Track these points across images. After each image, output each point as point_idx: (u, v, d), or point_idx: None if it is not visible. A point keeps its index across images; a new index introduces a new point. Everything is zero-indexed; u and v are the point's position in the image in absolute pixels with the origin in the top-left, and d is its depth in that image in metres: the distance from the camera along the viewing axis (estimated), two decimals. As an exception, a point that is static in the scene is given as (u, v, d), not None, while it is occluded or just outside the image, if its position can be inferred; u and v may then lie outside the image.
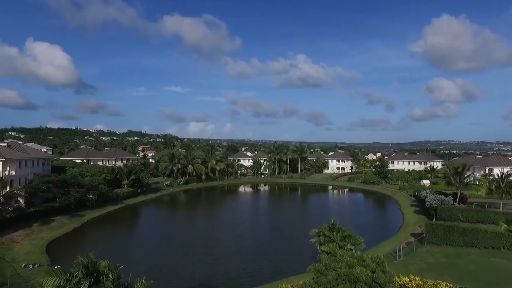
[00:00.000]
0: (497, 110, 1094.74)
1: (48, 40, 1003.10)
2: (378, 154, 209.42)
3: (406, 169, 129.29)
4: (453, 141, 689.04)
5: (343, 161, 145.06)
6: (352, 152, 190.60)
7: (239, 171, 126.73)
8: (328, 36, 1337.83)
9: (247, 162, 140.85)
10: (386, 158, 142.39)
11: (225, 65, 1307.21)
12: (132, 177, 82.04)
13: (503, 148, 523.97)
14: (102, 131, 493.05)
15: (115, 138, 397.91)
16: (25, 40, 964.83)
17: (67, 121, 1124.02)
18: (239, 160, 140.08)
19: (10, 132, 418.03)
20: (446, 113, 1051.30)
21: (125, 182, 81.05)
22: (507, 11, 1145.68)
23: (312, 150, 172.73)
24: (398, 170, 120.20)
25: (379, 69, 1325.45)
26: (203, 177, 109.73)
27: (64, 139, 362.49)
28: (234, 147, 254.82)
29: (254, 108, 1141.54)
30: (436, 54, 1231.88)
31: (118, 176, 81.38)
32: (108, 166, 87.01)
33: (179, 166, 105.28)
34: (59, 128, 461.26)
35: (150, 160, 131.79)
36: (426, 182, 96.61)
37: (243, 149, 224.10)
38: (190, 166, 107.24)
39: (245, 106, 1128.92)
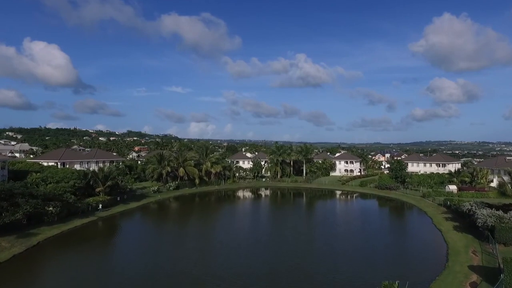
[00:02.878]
0: (498, 110, 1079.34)
1: (46, 39, 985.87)
2: (387, 155, 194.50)
3: (421, 172, 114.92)
4: (454, 141, 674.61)
5: (351, 162, 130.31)
6: (358, 152, 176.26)
7: (237, 174, 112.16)
8: (329, 36, 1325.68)
9: (247, 164, 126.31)
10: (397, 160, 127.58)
11: (225, 65, 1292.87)
12: (109, 183, 67.62)
13: (505, 148, 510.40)
14: (101, 131, 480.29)
15: (112, 138, 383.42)
16: (22, 39, 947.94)
17: (67, 122, 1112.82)
18: (237, 162, 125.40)
19: (7, 133, 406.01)
20: (447, 113, 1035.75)
21: (99, 189, 66.64)
22: (509, 9, 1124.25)
23: (317, 151, 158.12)
24: (415, 173, 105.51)
25: (380, 69, 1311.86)
26: (197, 181, 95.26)
27: (61, 139, 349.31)
28: (234, 148, 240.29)
29: (255, 108, 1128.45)
30: (437, 54, 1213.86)
31: (91, 182, 67.02)
32: (80, 169, 72.59)
33: (169, 169, 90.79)
34: (57, 129, 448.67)
35: (139, 162, 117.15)
36: (452, 187, 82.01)
37: (243, 150, 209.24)
38: (181, 169, 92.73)
39: (245, 106, 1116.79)
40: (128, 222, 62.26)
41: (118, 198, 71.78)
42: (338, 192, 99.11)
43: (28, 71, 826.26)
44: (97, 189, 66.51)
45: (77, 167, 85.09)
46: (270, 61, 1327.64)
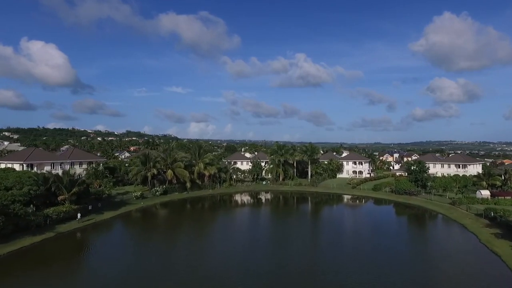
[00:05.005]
0: (499, 110, 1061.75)
1: (43, 39, 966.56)
2: (396, 155, 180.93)
3: (438, 174, 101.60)
4: (455, 141, 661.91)
5: (360, 163, 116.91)
6: (360, 152, 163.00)
7: (234, 176, 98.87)
8: (329, 36, 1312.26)
9: (245, 165, 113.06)
10: (407, 160, 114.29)
11: (224, 64, 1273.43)
12: (75, 189, 54.34)
13: (507, 148, 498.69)
14: (100, 131, 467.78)
15: (110, 138, 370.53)
16: (19, 39, 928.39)
17: (67, 122, 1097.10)
18: (235, 163, 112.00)
19: (4, 133, 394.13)
20: (447, 113, 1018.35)
21: (62, 197, 53.38)
22: (510, 8, 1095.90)
23: (322, 151, 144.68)
24: (432, 175, 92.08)
25: (380, 69, 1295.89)
26: (188, 185, 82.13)
27: (58, 139, 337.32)
28: (233, 148, 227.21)
29: (254, 108, 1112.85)
30: (437, 53, 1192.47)
31: (53, 189, 53.82)
32: (42, 173, 59.34)
33: (155, 171, 77.51)
34: (55, 129, 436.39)
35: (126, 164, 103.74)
36: (485, 193, 68.73)
37: (242, 150, 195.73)
38: (169, 171, 79.53)
39: (245, 106, 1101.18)
40: (97, 238, 48.91)
41: (90, 207, 58.67)
42: (349, 197, 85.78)
43: (26, 71, 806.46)
44: (60, 197, 53.25)
45: (48, 169, 71.91)
46: (269, 61, 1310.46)
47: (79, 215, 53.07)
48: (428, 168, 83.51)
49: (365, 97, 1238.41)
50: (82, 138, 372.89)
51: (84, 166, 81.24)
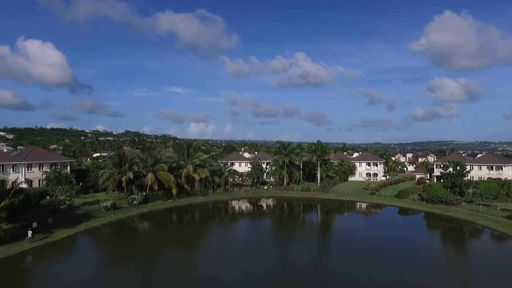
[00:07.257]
0: (500, 109, 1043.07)
1: (40, 38, 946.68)
2: (409, 155, 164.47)
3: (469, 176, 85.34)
4: (455, 141, 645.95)
5: (375, 164, 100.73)
6: (368, 152, 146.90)
7: (231, 180, 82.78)
8: (328, 36, 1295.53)
9: (244, 167, 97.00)
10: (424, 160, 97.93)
11: (223, 64, 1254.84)
12: (5, 202, 38.23)
13: (508, 148, 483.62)
14: (99, 131, 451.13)
15: (109, 138, 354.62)
16: (16, 38, 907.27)
17: (67, 122, 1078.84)
18: (232, 164, 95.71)
19: (0, 133, 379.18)
20: (448, 112, 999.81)
21: (-16, 214, 37.35)
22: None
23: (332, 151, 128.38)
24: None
25: (380, 69, 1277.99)
26: (174, 191, 66.06)
27: (54, 139, 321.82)
28: (232, 148, 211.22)
29: (254, 108, 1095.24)
30: (438, 52, 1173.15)
31: (-26, 202, 37.79)
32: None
33: (131, 175, 61.33)
34: (52, 128, 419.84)
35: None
36: (548, 203, 52.66)
37: (242, 150, 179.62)
38: (150, 175, 63.42)
39: (245, 106, 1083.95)
40: (26, 275, 32.81)
41: (34, 224, 42.68)
42: (369, 207, 69.48)
43: (24, 70, 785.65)
44: (-19, 214, 37.23)
45: (-4, 172, 56.09)
46: (269, 60, 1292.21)
47: (29, 233, 38.94)
48: (469, 171, 67.49)
49: (365, 97, 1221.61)
50: (80, 138, 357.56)
51: (46, 168, 65.36)
